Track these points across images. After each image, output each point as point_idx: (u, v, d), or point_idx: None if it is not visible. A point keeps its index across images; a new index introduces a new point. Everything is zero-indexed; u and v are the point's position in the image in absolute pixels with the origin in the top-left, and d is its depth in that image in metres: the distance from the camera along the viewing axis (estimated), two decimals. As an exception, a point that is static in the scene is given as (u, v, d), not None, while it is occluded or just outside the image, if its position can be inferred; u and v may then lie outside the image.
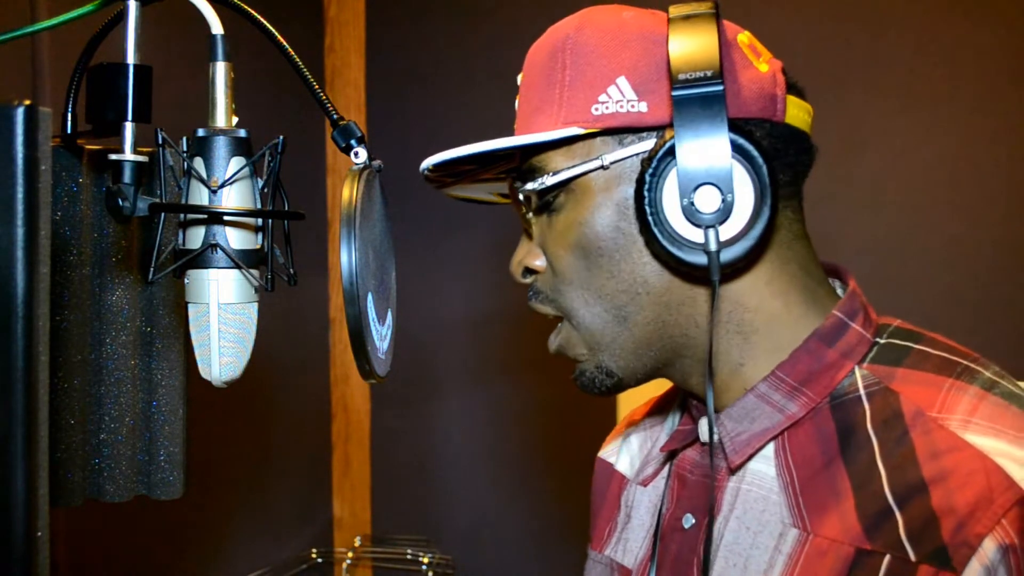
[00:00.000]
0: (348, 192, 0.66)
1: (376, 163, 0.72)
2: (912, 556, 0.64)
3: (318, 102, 0.71)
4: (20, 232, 0.51)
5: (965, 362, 0.73)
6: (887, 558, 0.65)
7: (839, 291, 0.80)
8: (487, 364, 2.27)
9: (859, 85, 1.86)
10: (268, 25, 0.71)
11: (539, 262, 0.79)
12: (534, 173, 0.76)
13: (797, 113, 0.75)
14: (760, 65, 0.73)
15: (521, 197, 0.78)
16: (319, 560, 2.26)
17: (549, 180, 0.75)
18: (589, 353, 0.78)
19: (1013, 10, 1.77)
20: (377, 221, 0.73)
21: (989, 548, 0.62)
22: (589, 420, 2.13)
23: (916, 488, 0.66)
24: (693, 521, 0.79)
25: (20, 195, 0.50)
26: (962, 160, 1.81)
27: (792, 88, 0.75)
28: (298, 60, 0.71)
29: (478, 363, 2.28)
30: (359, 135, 0.71)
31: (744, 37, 0.75)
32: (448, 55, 2.27)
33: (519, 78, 0.81)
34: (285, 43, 0.71)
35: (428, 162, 0.77)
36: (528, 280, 0.81)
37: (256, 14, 0.71)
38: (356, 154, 0.71)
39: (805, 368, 0.74)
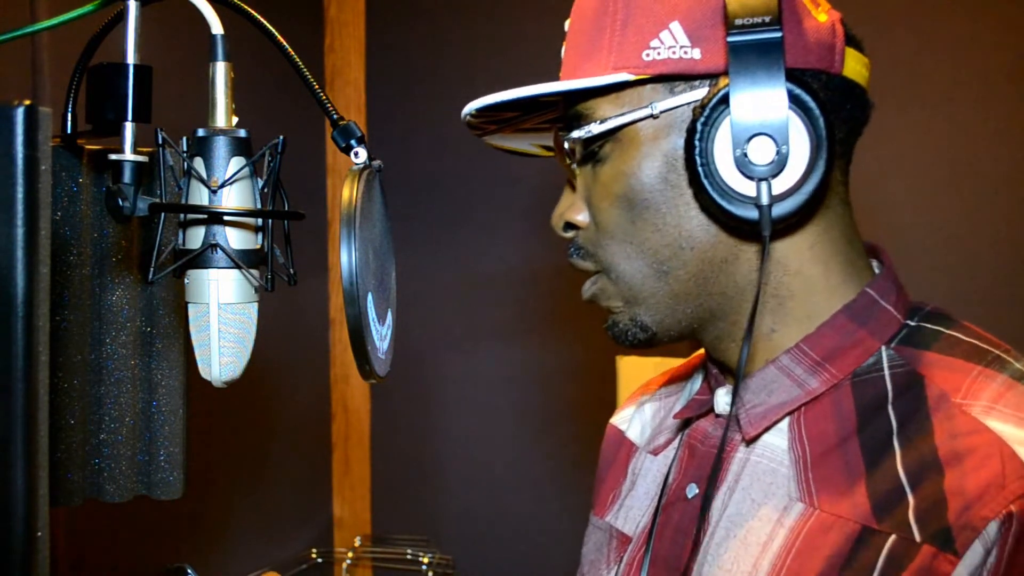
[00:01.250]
0: (348, 192, 0.66)
1: (376, 163, 0.72)
2: (917, 536, 0.63)
3: (318, 102, 0.71)
4: (20, 232, 0.51)
5: (996, 352, 0.71)
6: (892, 538, 0.64)
7: (876, 269, 0.78)
8: (487, 364, 2.27)
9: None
10: (268, 25, 0.71)
11: (581, 216, 0.77)
12: (580, 120, 0.74)
13: (855, 66, 0.72)
14: (819, 15, 0.71)
15: (566, 146, 0.75)
16: (319, 560, 2.26)
17: (596, 128, 0.72)
18: (625, 306, 0.76)
19: (1013, 10, 1.77)
20: (377, 221, 0.73)
21: (993, 531, 0.61)
22: (590, 421, 2.12)
23: (931, 470, 0.64)
24: (697, 491, 0.78)
25: (20, 195, 0.50)
26: (962, 160, 1.81)
27: (851, 40, 0.73)
28: (298, 60, 0.71)
29: (478, 362, 2.28)
30: (359, 135, 0.71)
31: None
32: (448, 55, 2.26)
33: (566, 24, 0.78)
34: (285, 43, 0.71)
35: (471, 106, 0.75)
36: (569, 235, 0.78)
37: (256, 14, 0.71)
38: (356, 154, 0.71)
39: (830, 344, 0.72)
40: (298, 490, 2.25)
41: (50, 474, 0.53)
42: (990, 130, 1.79)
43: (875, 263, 0.79)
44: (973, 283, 1.80)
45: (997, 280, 1.79)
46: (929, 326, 0.74)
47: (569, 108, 0.75)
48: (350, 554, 2.31)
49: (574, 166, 0.77)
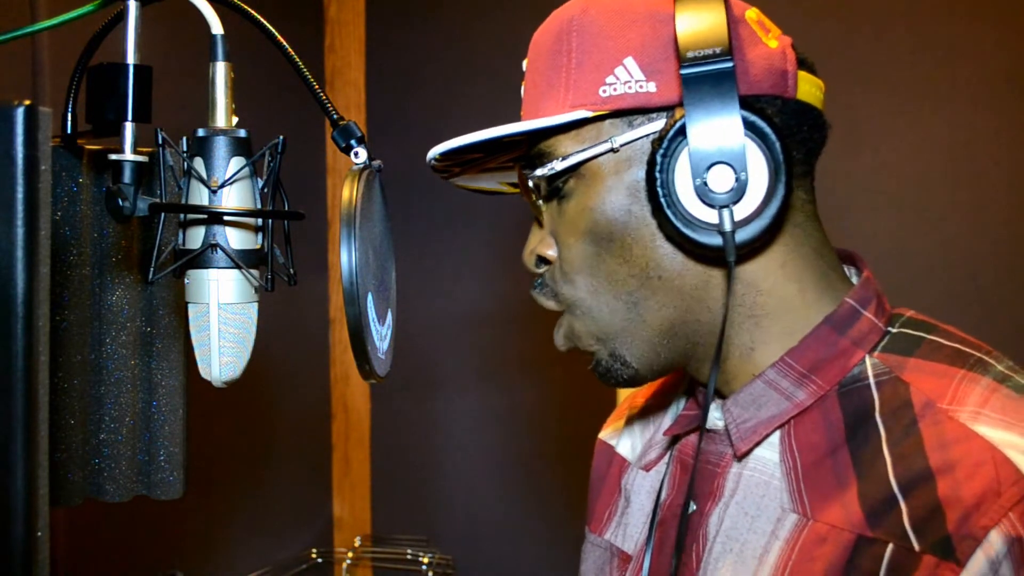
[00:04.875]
0: (348, 192, 0.66)
1: (376, 163, 0.72)
2: (916, 546, 0.63)
3: (318, 102, 0.71)
4: (20, 232, 0.51)
5: (978, 354, 0.72)
6: (890, 547, 0.64)
7: (853, 278, 0.79)
8: (487, 363, 2.27)
9: (858, 84, 1.85)
10: (268, 25, 0.71)
11: (552, 251, 0.78)
12: (543, 158, 0.75)
13: (809, 89, 0.74)
14: (769, 41, 0.73)
15: (531, 184, 0.77)
16: (319, 560, 2.26)
17: (559, 165, 0.74)
18: (599, 344, 0.77)
19: (1013, 10, 1.77)
20: (377, 221, 0.73)
21: (995, 540, 0.61)
22: (590, 419, 2.12)
23: (922, 477, 0.65)
24: (694, 507, 0.78)
25: (20, 195, 0.50)
26: (962, 160, 1.81)
27: (803, 63, 0.74)
28: (298, 60, 0.72)
29: (478, 362, 2.27)
30: (359, 135, 0.71)
31: (752, 13, 0.74)
32: (448, 55, 2.27)
33: (524, 64, 0.80)
34: (285, 43, 0.71)
35: (435, 151, 0.76)
36: (541, 270, 0.80)
37: (256, 14, 0.71)
38: (356, 154, 0.71)
39: (815, 355, 0.73)
40: (298, 490, 2.25)
41: (50, 474, 0.53)
42: (990, 130, 1.79)
43: (852, 270, 0.80)
44: (972, 283, 1.80)
45: (997, 280, 1.79)
46: (910, 332, 0.74)
47: (532, 147, 0.76)
48: (350, 554, 2.31)
49: (540, 203, 0.78)
